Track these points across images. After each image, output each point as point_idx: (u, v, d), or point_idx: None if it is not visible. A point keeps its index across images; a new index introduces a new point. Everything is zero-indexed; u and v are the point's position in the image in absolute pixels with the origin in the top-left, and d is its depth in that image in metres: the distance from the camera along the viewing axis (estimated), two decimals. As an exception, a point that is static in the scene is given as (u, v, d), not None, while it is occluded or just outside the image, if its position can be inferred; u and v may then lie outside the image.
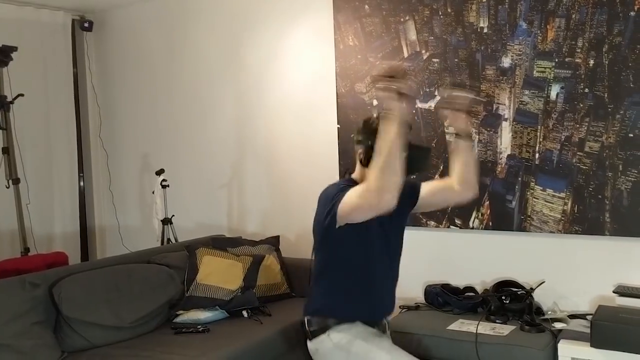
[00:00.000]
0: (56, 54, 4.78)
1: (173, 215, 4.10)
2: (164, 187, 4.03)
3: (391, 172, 1.84)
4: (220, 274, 3.36)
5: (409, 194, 2.30)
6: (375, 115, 2.22)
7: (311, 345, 2.19)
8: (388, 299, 2.28)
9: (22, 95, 3.92)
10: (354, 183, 2.12)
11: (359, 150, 2.17)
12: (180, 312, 3.22)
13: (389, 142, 1.83)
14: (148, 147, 4.73)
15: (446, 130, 3.33)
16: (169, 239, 4.06)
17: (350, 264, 2.10)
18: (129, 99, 4.85)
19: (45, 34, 4.70)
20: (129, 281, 3.11)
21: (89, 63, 4.99)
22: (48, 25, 4.72)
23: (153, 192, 4.10)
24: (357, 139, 2.18)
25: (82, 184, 4.93)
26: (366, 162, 2.09)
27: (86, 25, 4.85)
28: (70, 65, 4.87)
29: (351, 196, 1.95)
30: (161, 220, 4.06)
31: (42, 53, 4.69)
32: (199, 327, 3.04)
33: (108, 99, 4.98)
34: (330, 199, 2.04)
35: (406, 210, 2.31)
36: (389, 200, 1.84)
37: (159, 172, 4.06)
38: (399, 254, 2.31)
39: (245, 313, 3.23)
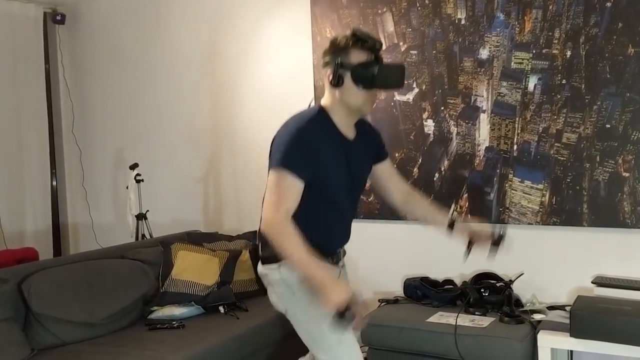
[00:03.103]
0: (27, 48, 4.66)
1: (147, 211, 4.02)
2: (138, 181, 3.96)
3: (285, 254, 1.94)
4: (195, 269, 3.30)
5: (378, 152, 2.32)
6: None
7: (261, 269, 2.18)
8: (346, 231, 2.27)
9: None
10: (325, 113, 2.11)
11: (327, 72, 2.10)
12: (155, 308, 3.15)
13: (306, 269, 1.91)
14: (122, 142, 4.64)
15: (425, 124, 3.32)
16: (143, 235, 3.98)
17: (311, 197, 2.04)
18: (103, 93, 4.75)
19: (16, 27, 4.58)
20: (101, 277, 3.04)
21: (61, 57, 4.87)
22: (19, 18, 4.60)
23: (127, 187, 4.01)
24: (325, 60, 2.12)
25: (54, 180, 4.82)
26: (335, 81, 2.06)
27: (58, 18, 4.74)
28: (42, 59, 4.75)
29: (266, 198, 1.98)
30: (135, 216, 3.98)
31: (13, 46, 4.57)
32: (174, 323, 2.98)
33: (81, 93, 4.87)
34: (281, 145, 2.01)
35: (372, 160, 2.32)
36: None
37: (133, 167, 3.98)
38: (361, 192, 2.33)
39: (221, 309, 3.18)
